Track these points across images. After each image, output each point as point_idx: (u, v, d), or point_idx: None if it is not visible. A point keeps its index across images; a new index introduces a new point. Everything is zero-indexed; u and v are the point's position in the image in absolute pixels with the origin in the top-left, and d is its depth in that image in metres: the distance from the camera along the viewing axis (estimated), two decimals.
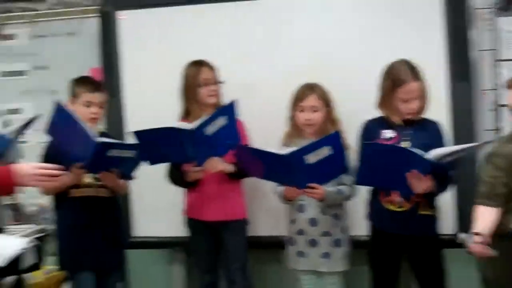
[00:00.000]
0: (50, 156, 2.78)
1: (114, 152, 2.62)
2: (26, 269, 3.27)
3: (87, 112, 2.83)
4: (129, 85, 3.47)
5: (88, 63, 3.66)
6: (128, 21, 3.46)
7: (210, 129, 2.65)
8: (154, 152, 2.74)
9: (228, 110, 2.74)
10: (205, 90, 2.99)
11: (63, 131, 2.63)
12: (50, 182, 2.30)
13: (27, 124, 2.88)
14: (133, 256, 3.55)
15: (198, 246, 3.12)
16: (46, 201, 3.79)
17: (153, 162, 2.80)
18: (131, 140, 2.75)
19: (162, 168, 2.99)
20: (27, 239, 2.33)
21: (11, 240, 2.28)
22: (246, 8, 3.32)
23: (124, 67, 3.46)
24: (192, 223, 3.08)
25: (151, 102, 3.38)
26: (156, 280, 3.76)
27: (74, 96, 2.88)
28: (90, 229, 2.85)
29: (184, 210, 3.11)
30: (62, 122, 2.61)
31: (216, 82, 3.03)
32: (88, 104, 2.84)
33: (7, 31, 3.88)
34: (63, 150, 2.67)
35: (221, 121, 2.69)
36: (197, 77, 3.00)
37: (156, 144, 2.68)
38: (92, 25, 3.69)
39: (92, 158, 2.55)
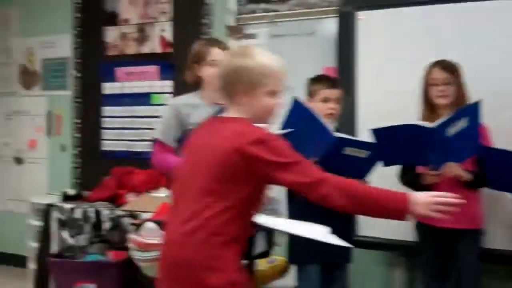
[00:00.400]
0: None
1: (349, 151, 2.63)
2: (257, 255, 3.46)
3: (325, 108, 2.88)
4: (364, 85, 3.48)
5: (323, 62, 3.76)
6: (365, 21, 3.47)
7: (451, 131, 2.54)
8: (391, 152, 2.70)
9: (471, 111, 2.61)
10: (434, 90, 2.90)
11: (299, 127, 2.65)
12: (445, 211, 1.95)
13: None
14: (354, 254, 3.56)
15: (426, 251, 3.03)
16: (273, 192, 3.98)
17: (388, 163, 2.78)
18: (368, 138, 2.74)
19: (391, 168, 2.93)
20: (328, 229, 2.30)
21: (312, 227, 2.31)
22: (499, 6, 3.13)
23: (359, 67, 3.48)
24: (423, 227, 3.00)
25: (385, 103, 3.36)
26: (375, 281, 3.75)
27: (311, 94, 2.96)
28: (321, 222, 2.90)
29: None
30: (298, 117, 2.67)
31: (447, 82, 2.87)
32: (326, 100, 2.89)
33: (249, 30, 4.14)
34: (296, 146, 2.76)
35: (462, 123, 2.57)
36: (427, 77, 2.93)
37: (395, 144, 2.64)
38: (329, 25, 3.79)
39: (326, 154, 2.58)
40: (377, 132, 2.66)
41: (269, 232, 3.47)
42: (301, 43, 3.94)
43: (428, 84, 2.91)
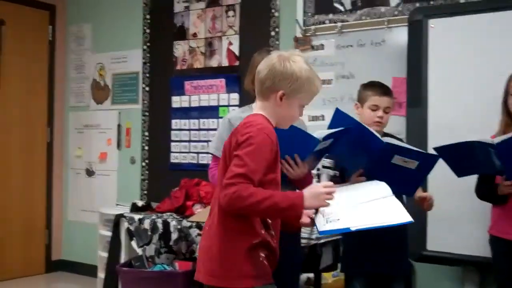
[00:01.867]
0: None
1: (398, 160, 2.53)
2: (323, 268, 3.41)
3: (373, 115, 2.83)
4: (435, 95, 3.38)
5: (392, 72, 3.70)
6: (437, 29, 3.38)
7: None
8: (459, 165, 2.63)
9: None
10: None
11: (348, 137, 2.59)
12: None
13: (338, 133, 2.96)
14: (423, 269, 3.45)
15: (502, 267, 2.89)
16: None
17: (460, 173, 2.69)
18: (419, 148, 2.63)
19: (464, 180, 2.83)
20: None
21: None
22: None
23: (430, 77, 3.38)
24: (497, 241, 2.87)
25: (457, 114, 3.26)
26: None
27: (361, 100, 2.90)
28: (374, 234, 2.82)
29: (489, 226, 2.92)
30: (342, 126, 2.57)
31: None
32: (375, 107, 2.84)
33: (316, 42, 4.12)
34: (342, 157, 2.72)
35: None
36: (507, 86, 2.80)
37: (461, 158, 2.57)
38: (398, 34, 3.74)
39: (374, 162, 2.54)
40: (439, 151, 2.61)
41: (336, 245, 3.42)
42: (369, 53, 3.89)
43: (507, 94, 2.80)
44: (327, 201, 2.01)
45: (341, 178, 2.80)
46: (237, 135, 2.03)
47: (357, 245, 2.86)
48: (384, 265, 2.82)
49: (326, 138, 2.47)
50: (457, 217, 3.24)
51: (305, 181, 2.69)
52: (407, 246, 2.96)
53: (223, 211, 2.00)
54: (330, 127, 2.60)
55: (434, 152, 2.64)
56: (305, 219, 2.16)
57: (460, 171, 2.72)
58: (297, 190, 2.23)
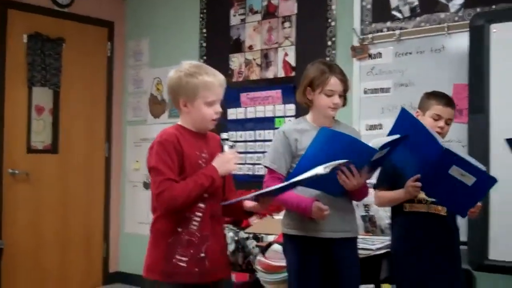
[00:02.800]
0: (385, 169, 2.82)
1: (455, 172, 2.47)
2: (382, 280, 3.32)
3: (434, 125, 2.77)
4: (498, 102, 3.28)
5: (453, 79, 3.62)
6: (498, 34, 3.29)
7: None
8: None
9: None
10: None
11: (406, 142, 2.55)
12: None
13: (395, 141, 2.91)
14: (485, 280, 3.33)
15: None
16: None
17: None
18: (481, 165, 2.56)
19: None
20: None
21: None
22: None
23: (493, 83, 3.29)
24: None
25: None
26: None
27: (424, 108, 2.85)
28: (420, 247, 2.76)
29: None
30: (405, 127, 2.54)
31: None
32: (437, 117, 2.79)
33: (374, 50, 4.06)
34: (401, 166, 2.68)
35: None
36: None
37: None
38: (458, 40, 3.65)
39: (431, 169, 2.49)
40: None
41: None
42: (429, 60, 3.82)
43: None
44: (235, 164, 2.39)
45: (399, 184, 2.74)
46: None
47: (403, 258, 2.82)
48: (432, 280, 2.75)
49: (383, 147, 2.43)
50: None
51: (362, 192, 2.65)
52: (456, 259, 2.85)
53: (155, 216, 2.38)
54: (394, 127, 2.58)
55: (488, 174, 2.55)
56: (248, 203, 2.47)
57: None
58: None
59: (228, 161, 2.37)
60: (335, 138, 2.43)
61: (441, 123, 2.79)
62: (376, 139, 2.46)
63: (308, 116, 2.79)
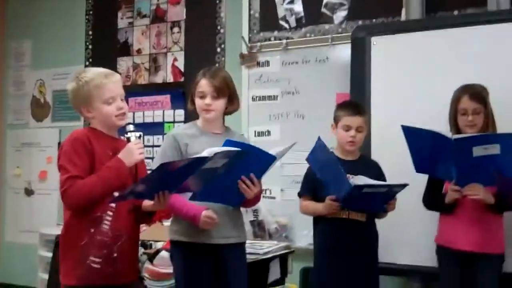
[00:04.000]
0: (309, 178, 2.91)
1: (368, 189, 2.66)
2: (271, 283, 3.39)
3: (346, 136, 2.86)
4: (377, 111, 3.43)
5: (336, 88, 3.77)
6: (378, 46, 3.47)
7: (478, 151, 2.49)
8: (419, 157, 2.71)
9: (503, 138, 2.53)
10: (462, 120, 2.81)
11: (322, 166, 2.75)
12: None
13: (289, 148, 2.98)
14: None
15: (447, 277, 2.94)
16: (285, 219, 3.95)
17: (419, 169, 2.75)
18: (384, 181, 2.79)
19: (412, 189, 2.82)
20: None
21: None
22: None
23: (373, 93, 3.45)
24: (443, 251, 2.93)
25: (399, 129, 3.32)
26: None
27: (336, 120, 2.94)
28: (340, 252, 2.84)
29: (436, 236, 2.98)
30: (321, 158, 2.71)
31: (476, 112, 2.78)
32: (347, 128, 2.86)
33: (262, 58, 4.15)
34: (321, 180, 2.79)
35: (493, 149, 2.50)
36: (456, 105, 2.85)
37: (422, 148, 2.66)
38: (342, 51, 3.82)
39: (346, 197, 2.65)
40: (406, 129, 2.68)
41: (284, 260, 3.43)
42: (314, 70, 3.96)
43: (456, 112, 2.85)
44: (140, 154, 2.36)
45: (321, 194, 2.84)
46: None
47: (323, 264, 2.90)
48: (349, 284, 2.85)
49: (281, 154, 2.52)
50: (404, 226, 3.25)
51: (256, 198, 2.70)
52: (374, 264, 2.96)
53: (65, 218, 2.33)
54: (312, 154, 2.78)
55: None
56: (145, 203, 2.41)
57: (420, 165, 2.75)
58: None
59: (132, 151, 2.34)
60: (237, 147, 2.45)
61: (352, 132, 2.85)
62: (275, 148, 2.55)
63: (199, 121, 2.79)
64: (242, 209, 2.83)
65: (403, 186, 2.68)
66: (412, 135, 2.69)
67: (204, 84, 2.67)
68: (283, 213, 3.93)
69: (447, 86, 2.94)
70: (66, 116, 5.13)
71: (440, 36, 3.31)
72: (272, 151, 2.50)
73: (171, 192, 2.34)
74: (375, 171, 2.93)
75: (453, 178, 2.68)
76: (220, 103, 2.69)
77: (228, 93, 2.71)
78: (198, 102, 2.68)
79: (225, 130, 2.80)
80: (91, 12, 5.04)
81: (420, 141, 2.67)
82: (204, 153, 2.21)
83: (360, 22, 3.83)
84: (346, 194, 2.64)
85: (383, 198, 2.76)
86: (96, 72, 2.41)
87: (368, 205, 2.78)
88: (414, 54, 3.37)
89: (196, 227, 2.60)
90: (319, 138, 2.69)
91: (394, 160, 3.07)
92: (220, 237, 2.65)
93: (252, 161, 2.45)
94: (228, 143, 2.42)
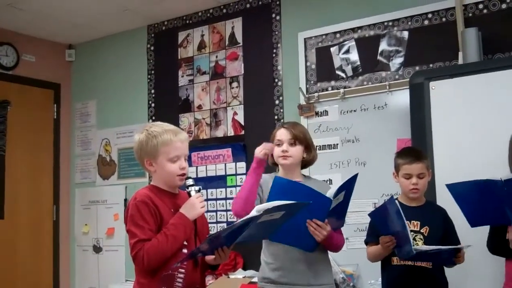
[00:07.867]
0: (374, 225, 2.91)
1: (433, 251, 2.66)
2: None
3: (408, 184, 2.84)
4: (440, 155, 3.40)
5: (396, 134, 3.77)
6: (437, 90, 3.46)
7: None
8: (472, 209, 2.61)
9: None
10: None
11: (388, 224, 2.71)
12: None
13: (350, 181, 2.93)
14: None
15: None
16: (351, 269, 3.89)
17: (473, 223, 2.65)
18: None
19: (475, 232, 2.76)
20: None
21: None
22: None
23: (434, 137, 3.43)
24: None
25: (463, 172, 3.24)
26: None
27: (396, 169, 2.92)
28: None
29: (504, 283, 2.87)
30: (389, 217, 2.67)
31: None
32: (408, 176, 2.84)
33: (320, 108, 4.20)
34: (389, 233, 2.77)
35: None
36: None
37: (473, 201, 2.56)
38: (400, 97, 3.84)
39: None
40: (451, 187, 2.59)
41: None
42: (373, 117, 3.98)
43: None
44: (202, 208, 2.37)
45: None
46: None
47: None
48: None
49: (337, 192, 2.54)
50: (468, 272, 3.15)
51: (332, 237, 2.69)
52: None
53: (136, 279, 2.36)
54: (379, 209, 2.79)
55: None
56: (208, 258, 2.38)
57: (473, 219, 2.66)
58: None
59: (194, 205, 2.35)
60: (289, 186, 2.51)
61: (414, 179, 2.83)
62: (330, 190, 2.56)
63: (280, 172, 2.87)
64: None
65: (466, 247, 2.65)
66: (459, 191, 2.60)
67: (281, 133, 2.79)
68: (349, 262, 3.89)
69: (507, 127, 2.88)
70: (131, 173, 5.28)
71: (498, 77, 3.29)
72: (328, 193, 2.53)
73: (229, 246, 2.36)
74: (441, 217, 2.89)
75: (506, 221, 2.58)
76: (297, 150, 2.78)
77: (305, 142, 2.80)
78: (276, 150, 2.77)
79: (305, 179, 2.85)
80: (152, 72, 5.24)
81: (468, 195, 2.58)
82: (254, 212, 2.21)
83: (417, 68, 3.85)
84: (409, 258, 2.66)
85: (450, 254, 2.71)
86: (166, 128, 2.43)
87: (436, 259, 2.75)
88: (473, 96, 3.35)
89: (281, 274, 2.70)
90: (391, 198, 2.65)
91: None
92: (300, 285, 2.70)
93: (310, 206, 2.44)
94: (276, 180, 2.53)
